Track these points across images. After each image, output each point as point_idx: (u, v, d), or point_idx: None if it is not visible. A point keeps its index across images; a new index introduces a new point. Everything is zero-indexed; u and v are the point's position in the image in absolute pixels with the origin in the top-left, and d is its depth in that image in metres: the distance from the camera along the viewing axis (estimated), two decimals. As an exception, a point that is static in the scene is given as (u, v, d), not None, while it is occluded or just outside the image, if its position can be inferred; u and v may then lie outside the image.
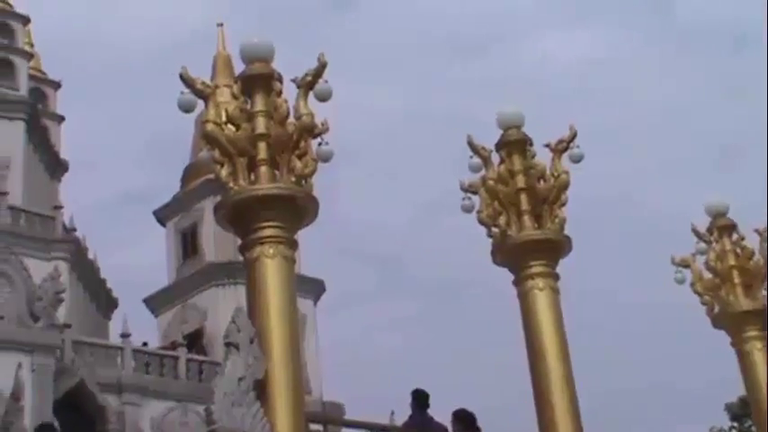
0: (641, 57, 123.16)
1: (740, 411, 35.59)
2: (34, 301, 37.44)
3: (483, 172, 13.35)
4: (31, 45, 58.06)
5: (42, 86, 59.34)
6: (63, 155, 58.91)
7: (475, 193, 13.33)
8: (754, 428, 17.36)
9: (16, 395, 34.55)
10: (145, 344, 47.62)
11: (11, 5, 57.71)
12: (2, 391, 34.88)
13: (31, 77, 56.85)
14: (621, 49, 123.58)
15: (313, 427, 11.20)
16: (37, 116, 55.30)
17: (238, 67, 11.54)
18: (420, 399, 13.87)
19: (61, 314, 39.30)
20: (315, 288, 49.20)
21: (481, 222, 13.28)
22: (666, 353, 76.46)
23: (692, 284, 15.54)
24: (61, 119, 60.56)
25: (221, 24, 53.67)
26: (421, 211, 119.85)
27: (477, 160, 13.38)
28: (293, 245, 10.95)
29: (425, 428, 13.21)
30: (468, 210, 13.33)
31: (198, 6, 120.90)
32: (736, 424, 38.38)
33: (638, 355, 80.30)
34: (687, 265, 15.51)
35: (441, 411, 13.83)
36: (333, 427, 11.60)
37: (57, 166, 57.76)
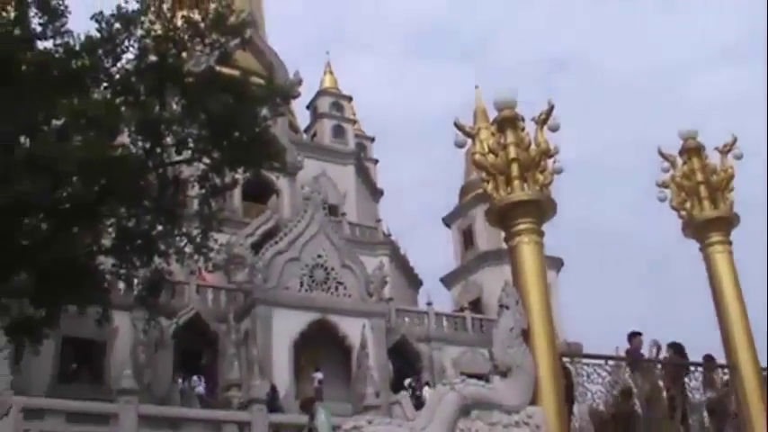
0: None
1: None
2: (369, 284, 38.07)
3: (671, 172, 13.01)
4: (354, 114, 59.21)
5: (363, 141, 60.36)
6: (379, 185, 59.84)
7: (666, 187, 12.99)
8: None
9: (363, 345, 35.35)
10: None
11: (339, 90, 59.06)
12: (354, 344, 35.66)
13: (356, 136, 57.99)
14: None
15: (562, 359, 10.94)
16: (361, 161, 56.38)
17: (491, 115, 11.44)
18: (630, 336, 13.53)
19: (386, 291, 39.87)
20: (557, 264, 48.48)
21: (673, 208, 12.94)
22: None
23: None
24: (376, 161, 61.52)
25: (477, 86, 53.35)
26: (628, 205, 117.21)
27: (666, 164, 13.05)
28: (541, 234, 10.84)
29: (634, 356, 12.75)
30: (662, 200, 12.99)
31: (458, 79, 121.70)
32: None
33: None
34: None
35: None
36: (576, 359, 11.26)
37: (375, 193, 58.68)
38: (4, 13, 24.20)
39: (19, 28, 24.03)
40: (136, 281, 27.33)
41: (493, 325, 10.64)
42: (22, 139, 22.24)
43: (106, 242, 24.64)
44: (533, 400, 10.03)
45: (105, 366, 34.26)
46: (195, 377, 33.97)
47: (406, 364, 40.06)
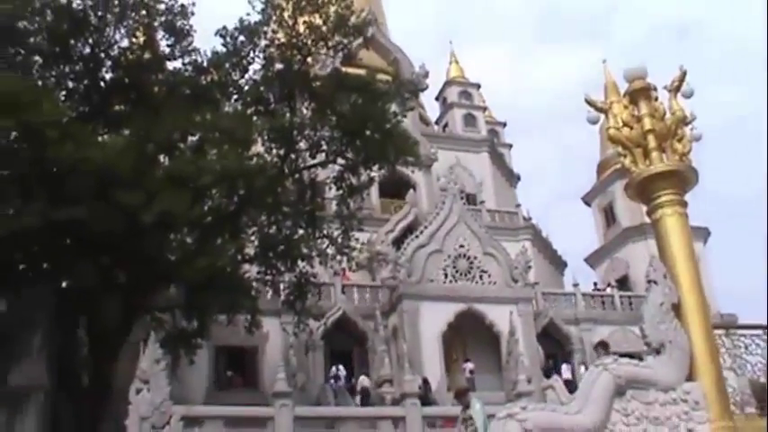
0: None
1: None
2: (513, 269, 37.81)
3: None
4: (483, 101, 58.87)
5: (494, 127, 60.07)
6: (515, 170, 59.41)
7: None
8: None
9: (512, 332, 35.16)
10: (595, 284, 47.45)
11: (466, 78, 58.89)
12: (502, 331, 35.48)
13: (487, 122, 57.68)
14: None
15: (716, 332, 10.58)
16: (494, 148, 56.06)
17: (622, 88, 11.18)
18: None
19: (531, 276, 39.50)
20: (703, 234, 47.18)
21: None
22: None
23: None
24: (510, 146, 61.14)
25: (605, 61, 52.40)
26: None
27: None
28: (684, 204, 10.53)
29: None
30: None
31: (585, 55, 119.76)
32: None
33: None
34: None
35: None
36: (730, 331, 10.90)
37: (511, 178, 58.27)
38: (134, 39, 25.06)
39: (149, 51, 24.87)
40: (282, 286, 27.89)
41: (642, 302, 10.41)
42: (161, 157, 22.93)
43: (250, 250, 25.18)
44: (689, 376, 9.76)
45: (258, 371, 35.04)
46: (334, 368, 34.36)
47: (556, 347, 39.68)
